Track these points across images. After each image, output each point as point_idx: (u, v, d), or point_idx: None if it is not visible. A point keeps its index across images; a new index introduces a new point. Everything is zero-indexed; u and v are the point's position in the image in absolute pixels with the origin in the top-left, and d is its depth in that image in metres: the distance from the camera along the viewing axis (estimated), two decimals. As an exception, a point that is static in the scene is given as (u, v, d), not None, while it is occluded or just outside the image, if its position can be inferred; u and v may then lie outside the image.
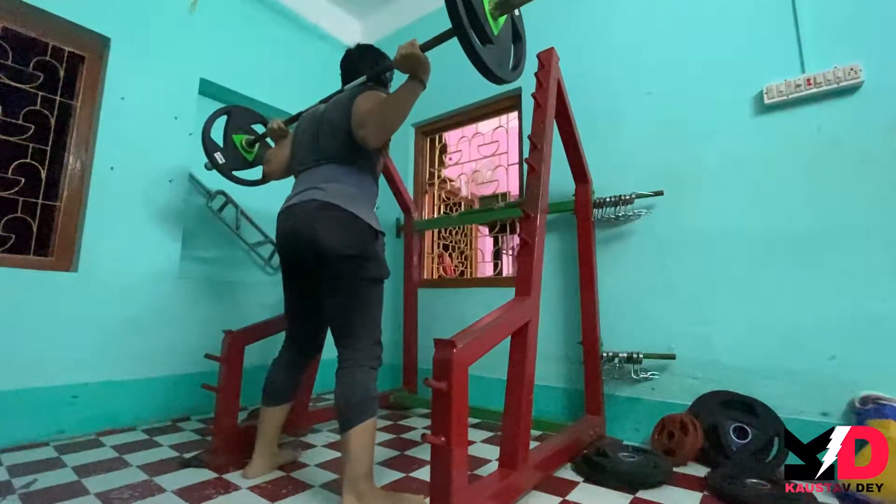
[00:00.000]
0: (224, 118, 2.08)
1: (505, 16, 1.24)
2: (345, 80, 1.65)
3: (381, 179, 1.92)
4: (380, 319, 1.40)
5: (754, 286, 1.76)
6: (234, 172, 2.06)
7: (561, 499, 1.34)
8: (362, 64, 1.61)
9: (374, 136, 1.32)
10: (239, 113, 2.12)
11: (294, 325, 1.57)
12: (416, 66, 1.32)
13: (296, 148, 1.58)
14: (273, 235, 2.15)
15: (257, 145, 2.10)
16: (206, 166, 2.00)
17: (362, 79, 1.51)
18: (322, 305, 1.49)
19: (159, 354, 2.20)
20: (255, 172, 2.12)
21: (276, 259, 2.80)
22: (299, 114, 1.70)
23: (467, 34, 1.10)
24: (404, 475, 1.52)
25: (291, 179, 1.59)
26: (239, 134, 2.07)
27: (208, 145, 1.98)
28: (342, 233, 1.32)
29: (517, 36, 1.38)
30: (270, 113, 3.00)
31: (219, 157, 2.00)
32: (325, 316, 1.55)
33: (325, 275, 1.36)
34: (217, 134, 2.04)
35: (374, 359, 1.34)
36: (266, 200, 2.77)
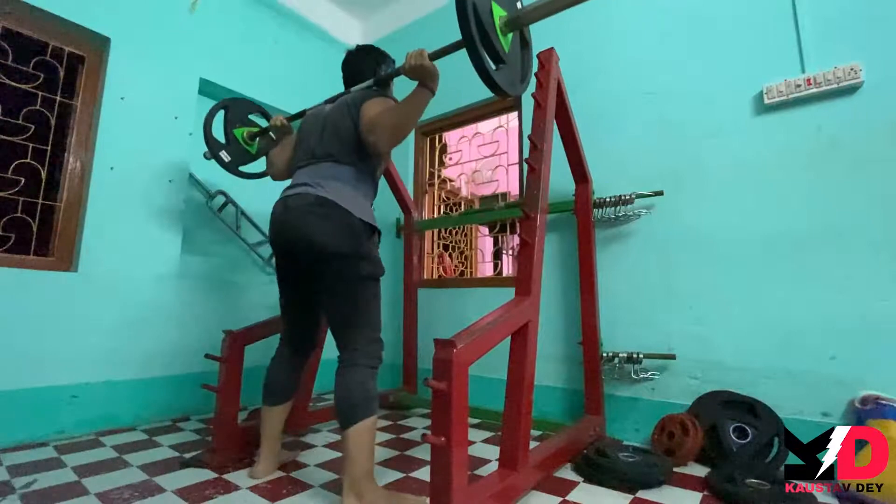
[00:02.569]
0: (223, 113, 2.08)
1: (514, 31, 1.25)
2: (347, 82, 1.65)
3: (381, 180, 1.92)
4: (378, 317, 1.39)
5: (754, 286, 1.76)
6: (241, 167, 2.07)
7: (561, 499, 1.34)
8: (365, 65, 1.61)
9: (384, 143, 1.34)
10: (235, 105, 2.11)
11: (289, 323, 1.57)
12: (424, 75, 1.33)
13: (298, 146, 1.58)
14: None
15: (258, 137, 2.09)
16: (204, 155, 1.99)
17: (369, 82, 1.51)
18: (316, 303, 1.49)
19: (159, 354, 2.20)
20: (258, 165, 2.12)
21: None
22: (303, 111, 1.69)
23: (480, 55, 1.09)
24: (404, 475, 1.52)
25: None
26: (239, 128, 2.07)
27: (213, 145, 1.98)
28: (335, 230, 1.32)
29: (525, 45, 1.38)
30: (271, 113, 3.01)
31: (224, 155, 2.00)
32: (320, 313, 1.56)
33: (320, 274, 1.35)
34: (217, 127, 2.04)
35: (374, 357, 1.34)
36: (266, 200, 2.74)
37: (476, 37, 1.08)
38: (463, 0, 1.07)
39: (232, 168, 2.03)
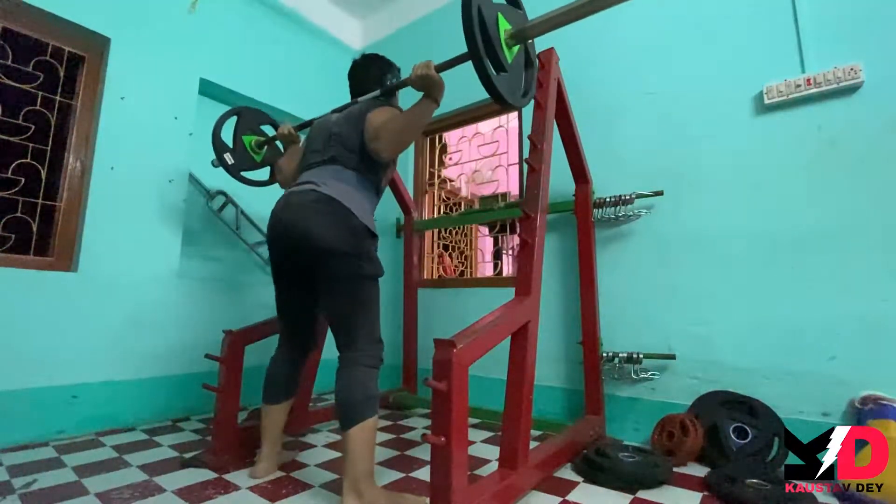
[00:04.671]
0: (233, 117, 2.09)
1: (519, 45, 1.25)
2: (353, 91, 1.67)
3: (382, 180, 1.92)
4: (377, 318, 1.40)
5: (754, 286, 1.76)
6: (243, 173, 2.07)
7: (561, 499, 1.34)
8: (370, 75, 1.62)
9: (387, 150, 1.35)
10: (248, 114, 2.12)
11: (286, 323, 1.57)
12: (430, 86, 1.35)
13: (305, 154, 1.58)
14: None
15: (265, 147, 2.11)
16: (212, 163, 2.00)
17: (375, 93, 1.52)
18: (314, 302, 1.49)
19: (159, 354, 2.20)
20: (261, 173, 2.13)
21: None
22: (311, 120, 1.71)
23: (483, 63, 1.10)
24: (404, 475, 1.52)
25: None
26: (248, 135, 2.08)
27: (218, 146, 1.99)
28: (336, 227, 1.32)
29: (529, 62, 1.37)
30: (271, 113, 3.01)
31: (228, 157, 2.01)
32: (317, 312, 1.55)
33: (320, 273, 1.35)
34: (226, 130, 2.05)
35: (375, 357, 1.34)
36: (266, 201, 2.75)
37: (480, 43, 1.08)
38: (469, 6, 1.06)
39: (234, 171, 2.04)
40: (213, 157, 2.00)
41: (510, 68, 1.20)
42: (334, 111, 1.62)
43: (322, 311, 1.43)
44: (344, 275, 1.33)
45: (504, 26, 1.19)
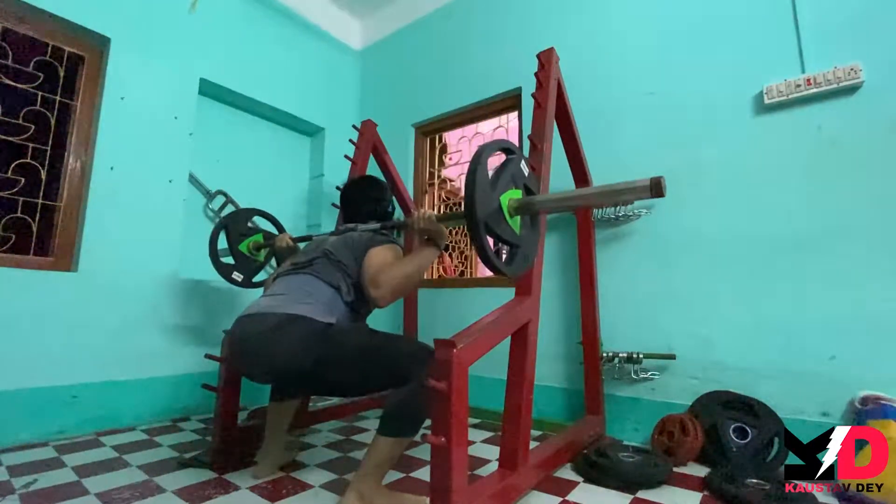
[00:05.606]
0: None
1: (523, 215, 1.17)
2: (347, 213, 1.65)
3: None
4: (403, 343, 1.29)
5: (754, 286, 1.76)
6: (254, 278, 2.06)
7: (561, 499, 1.34)
8: (366, 200, 1.61)
9: (385, 299, 1.27)
10: (233, 221, 2.04)
11: None
12: (433, 236, 1.35)
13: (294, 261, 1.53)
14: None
15: (262, 249, 2.07)
16: (231, 282, 1.97)
17: (376, 226, 1.48)
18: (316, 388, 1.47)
19: (159, 354, 2.20)
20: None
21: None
22: (309, 236, 1.70)
23: (494, 264, 1.05)
24: (404, 475, 1.52)
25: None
26: (243, 242, 2.03)
27: (223, 270, 1.95)
28: (297, 343, 1.20)
29: (534, 221, 1.26)
30: (271, 113, 3.01)
31: (237, 276, 1.97)
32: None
33: (321, 384, 1.30)
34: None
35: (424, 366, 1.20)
36: (266, 201, 2.76)
37: (488, 251, 1.02)
38: (473, 212, 0.98)
39: (246, 284, 2.01)
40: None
41: (520, 241, 1.13)
42: (331, 233, 1.56)
43: (368, 394, 1.36)
44: (339, 368, 1.23)
45: (508, 198, 1.09)
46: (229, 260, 1.99)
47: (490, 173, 1.06)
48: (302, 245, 1.71)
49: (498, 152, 1.12)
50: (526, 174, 1.19)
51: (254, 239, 2.06)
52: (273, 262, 2.15)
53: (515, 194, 1.12)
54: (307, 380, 1.28)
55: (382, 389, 1.26)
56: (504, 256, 1.16)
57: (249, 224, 2.08)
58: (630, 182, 1.00)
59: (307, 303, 1.28)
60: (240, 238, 2.03)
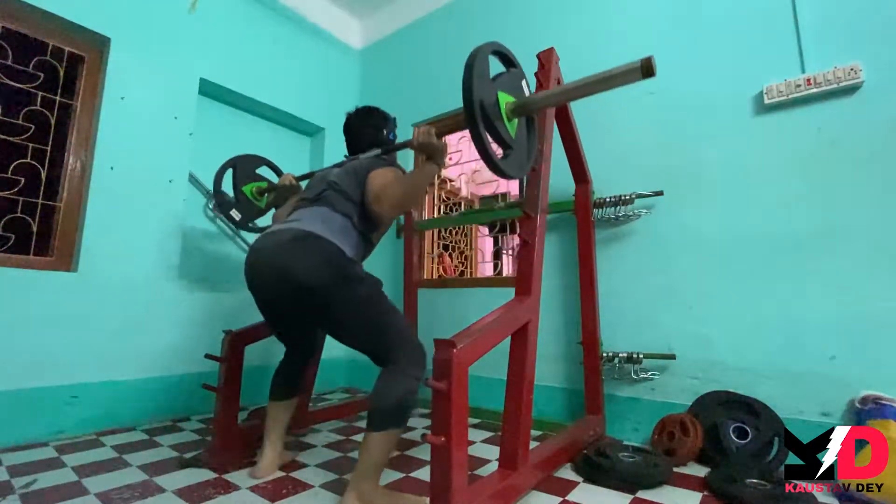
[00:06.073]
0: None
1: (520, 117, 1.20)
2: (350, 145, 1.67)
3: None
4: (401, 323, 1.34)
5: (754, 286, 1.76)
6: (250, 223, 2.09)
7: (561, 499, 1.34)
8: (367, 129, 1.63)
9: (388, 214, 1.34)
10: (243, 163, 2.11)
11: (285, 344, 1.61)
12: (432, 152, 1.36)
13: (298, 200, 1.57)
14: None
15: (266, 193, 2.11)
16: (213, 209, 2.01)
17: (376, 151, 1.52)
18: (310, 326, 1.50)
19: (159, 354, 2.20)
20: (269, 218, 2.11)
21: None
22: (312, 172, 1.72)
23: (491, 158, 1.07)
24: (404, 475, 1.52)
25: None
26: (248, 185, 2.08)
27: (223, 204, 2.00)
28: (316, 258, 1.25)
29: (531, 125, 1.31)
30: (271, 113, 3.01)
31: (235, 213, 2.01)
32: (316, 331, 1.57)
33: (317, 313, 1.32)
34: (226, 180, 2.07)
35: (418, 365, 1.29)
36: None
37: (486, 138, 1.05)
38: (470, 96, 1.02)
39: (243, 225, 2.05)
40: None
41: (515, 143, 1.16)
42: (334, 166, 1.59)
43: (347, 345, 1.38)
44: (342, 309, 1.28)
45: (506, 100, 1.13)
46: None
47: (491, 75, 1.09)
48: (304, 184, 1.73)
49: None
50: (526, 94, 1.20)
51: (258, 184, 2.10)
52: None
53: (512, 100, 1.14)
54: (309, 304, 1.29)
55: (360, 349, 1.33)
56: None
57: (257, 171, 2.14)
58: (620, 66, 1.03)
59: (323, 227, 1.32)
60: (245, 180, 2.07)
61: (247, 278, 1.39)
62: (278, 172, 2.19)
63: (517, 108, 1.13)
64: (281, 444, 1.56)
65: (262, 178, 2.15)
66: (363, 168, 1.45)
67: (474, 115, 1.02)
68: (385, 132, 1.66)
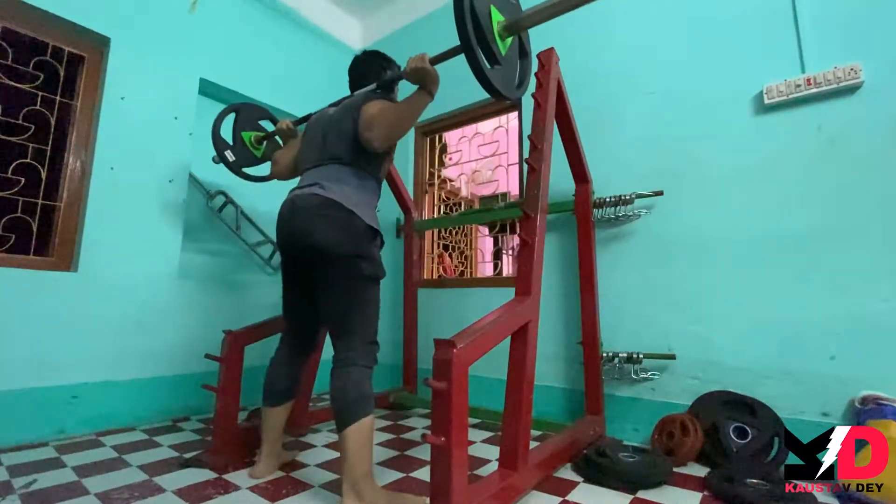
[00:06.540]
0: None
1: (513, 35, 1.24)
2: (353, 86, 1.67)
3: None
4: (376, 319, 1.40)
5: (754, 286, 1.76)
6: (244, 169, 2.10)
7: (561, 499, 1.34)
8: (370, 69, 1.63)
9: (379, 140, 1.35)
10: (246, 110, 2.15)
11: (291, 323, 1.57)
12: (425, 78, 1.37)
13: (303, 148, 1.60)
14: (273, 236, 2.20)
15: (265, 142, 2.13)
16: (213, 160, 2.03)
17: (372, 86, 1.53)
18: (318, 304, 1.49)
19: (159, 354, 2.20)
20: (264, 168, 2.13)
21: (277, 259, 2.81)
22: (308, 115, 1.71)
23: (476, 55, 1.10)
24: (404, 475, 1.52)
25: (295, 181, 1.60)
26: (247, 131, 2.11)
27: (219, 143, 2.01)
28: (339, 231, 1.34)
29: (524, 52, 1.38)
30: (280, 117, 3.01)
31: (229, 154, 2.04)
32: (319, 327, 1.57)
33: (321, 273, 1.36)
34: (226, 128, 2.06)
35: (370, 357, 1.34)
36: (266, 200, 2.77)
37: (472, 36, 1.09)
38: (461, 2, 1.07)
39: (235, 168, 2.06)
40: (214, 154, 2.01)
41: (504, 61, 1.20)
42: (332, 105, 1.63)
43: (321, 312, 1.43)
44: (343, 274, 1.34)
45: (497, 18, 1.19)
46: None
47: None
48: (301, 128, 1.75)
49: None
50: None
51: (258, 133, 2.13)
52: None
53: (503, 19, 1.18)
54: (318, 259, 1.35)
55: (327, 318, 1.37)
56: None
57: (260, 122, 2.17)
58: None
59: (343, 192, 1.38)
60: (245, 127, 2.10)
61: (277, 235, 1.48)
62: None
63: (509, 26, 1.17)
64: (279, 444, 1.55)
65: (262, 130, 2.18)
66: (357, 102, 1.47)
67: (463, 11, 1.05)
68: (388, 72, 1.66)
